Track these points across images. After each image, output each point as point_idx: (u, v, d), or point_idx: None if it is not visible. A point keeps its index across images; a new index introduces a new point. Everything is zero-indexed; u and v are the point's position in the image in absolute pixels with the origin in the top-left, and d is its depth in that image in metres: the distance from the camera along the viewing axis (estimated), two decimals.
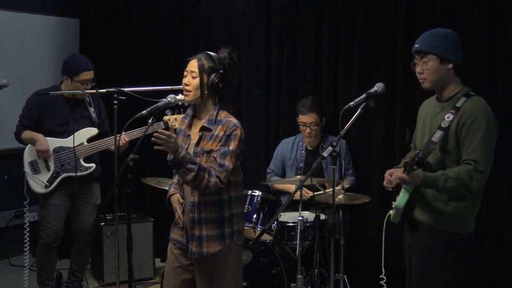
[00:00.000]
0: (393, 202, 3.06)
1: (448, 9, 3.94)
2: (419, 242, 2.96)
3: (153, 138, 2.73)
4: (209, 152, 2.93)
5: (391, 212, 3.05)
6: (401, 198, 2.96)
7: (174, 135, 2.80)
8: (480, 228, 3.13)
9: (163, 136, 2.73)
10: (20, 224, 4.38)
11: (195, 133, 3.01)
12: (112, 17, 5.72)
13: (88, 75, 4.18)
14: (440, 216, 2.87)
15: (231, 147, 2.91)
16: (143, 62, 5.59)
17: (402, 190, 2.97)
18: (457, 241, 2.87)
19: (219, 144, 2.92)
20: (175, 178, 3.17)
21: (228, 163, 2.89)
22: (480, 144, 2.76)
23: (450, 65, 2.86)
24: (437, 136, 2.83)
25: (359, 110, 2.99)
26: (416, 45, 2.93)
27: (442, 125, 2.84)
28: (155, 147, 2.76)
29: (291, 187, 4.37)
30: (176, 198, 3.07)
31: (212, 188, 2.87)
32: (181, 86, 3.04)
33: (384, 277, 3.34)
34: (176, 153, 2.79)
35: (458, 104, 2.85)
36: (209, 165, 2.89)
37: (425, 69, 2.88)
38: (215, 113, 2.98)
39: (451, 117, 2.83)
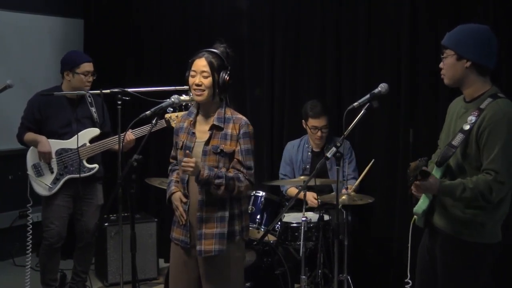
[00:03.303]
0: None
1: (452, 9, 3.93)
2: (439, 249, 2.83)
3: (182, 168, 2.86)
4: (231, 153, 2.96)
5: (416, 216, 2.95)
6: (421, 203, 2.83)
7: (196, 160, 2.86)
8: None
9: (192, 164, 2.82)
10: (24, 225, 4.38)
11: (203, 131, 3.01)
12: (116, 17, 5.72)
13: (89, 66, 4.20)
14: (458, 224, 2.74)
15: (250, 146, 2.99)
16: (146, 63, 5.60)
17: (423, 195, 2.83)
18: (476, 251, 2.72)
19: (238, 143, 2.96)
20: (174, 176, 3.16)
21: (252, 162, 2.98)
22: (500, 153, 2.58)
23: (468, 63, 2.69)
24: (458, 139, 2.69)
25: (363, 111, 2.95)
26: (443, 39, 2.80)
27: (463, 127, 2.69)
28: (183, 174, 2.94)
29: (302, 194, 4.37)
30: (177, 196, 3.07)
31: (244, 192, 2.98)
32: (184, 87, 3.04)
33: (410, 281, 3.31)
34: (199, 174, 2.85)
35: (482, 106, 2.67)
36: (233, 166, 2.95)
37: (444, 64, 2.77)
38: (223, 110, 3.00)
39: (474, 119, 2.66)
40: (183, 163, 2.86)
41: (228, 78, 2.95)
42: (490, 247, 2.74)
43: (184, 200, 3.04)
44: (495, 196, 2.61)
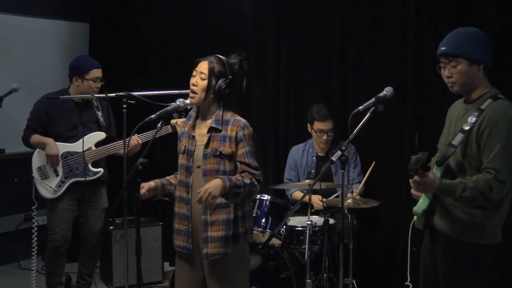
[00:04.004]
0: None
1: (456, 12, 3.93)
2: (440, 251, 2.83)
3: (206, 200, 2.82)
4: (230, 155, 2.95)
5: (415, 217, 2.95)
6: (421, 203, 2.83)
7: (208, 184, 2.84)
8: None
9: (208, 192, 2.81)
10: (29, 228, 4.39)
11: (202, 134, 3.02)
12: (122, 21, 5.74)
13: (98, 72, 4.21)
14: (459, 225, 2.74)
15: (252, 147, 2.99)
16: (152, 67, 5.61)
17: (423, 195, 2.83)
18: (477, 252, 2.72)
19: (241, 145, 2.96)
20: (173, 177, 3.15)
21: (257, 162, 2.98)
22: (500, 152, 2.59)
23: (481, 67, 2.72)
24: (458, 139, 2.71)
25: (368, 114, 2.95)
26: (443, 48, 2.75)
27: (464, 127, 2.71)
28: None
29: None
30: (148, 183, 3.05)
31: (257, 193, 3.08)
32: (189, 90, 3.04)
33: (410, 284, 3.31)
34: (224, 189, 2.84)
35: (483, 106, 2.69)
36: (243, 170, 2.95)
37: (454, 72, 2.73)
38: (220, 113, 3.00)
39: (474, 119, 2.67)
40: (200, 199, 2.84)
41: (224, 86, 2.95)
42: (490, 248, 2.74)
43: (150, 192, 3.04)
44: (495, 195, 2.61)
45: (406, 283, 3.37)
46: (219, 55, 3.02)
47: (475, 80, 2.75)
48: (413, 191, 2.84)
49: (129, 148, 4.03)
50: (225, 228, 2.95)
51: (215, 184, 2.84)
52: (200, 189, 2.84)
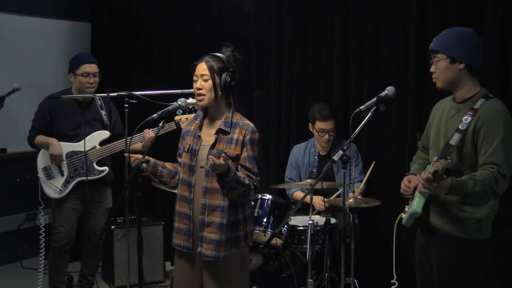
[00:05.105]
0: (406, 206, 2.98)
1: (460, 11, 3.92)
2: (435, 249, 2.86)
3: (210, 165, 2.76)
4: (235, 157, 2.94)
5: (403, 215, 2.96)
6: (418, 203, 2.84)
7: (223, 162, 2.75)
8: (494, 234, 3.03)
9: (222, 162, 2.74)
10: (32, 227, 4.40)
11: (209, 135, 3.01)
12: (124, 21, 5.75)
13: (89, 68, 4.18)
14: (455, 222, 2.77)
15: (255, 153, 2.98)
16: (154, 66, 5.61)
17: (418, 195, 2.85)
18: (473, 248, 2.77)
19: (245, 149, 2.95)
20: (169, 164, 3.13)
21: (257, 168, 2.97)
22: (499, 147, 2.65)
23: (462, 65, 2.77)
24: (455, 139, 2.74)
25: (369, 114, 2.95)
26: (431, 44, 2.87)
27: (460, 127, 2.75)
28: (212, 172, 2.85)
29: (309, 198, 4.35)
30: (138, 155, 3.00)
31: (250, 197, 3.01)
32: (191, 90, 3.04)
33: (396, 282, 3.31)
34: (228, 173, 2.80)
35: (476, 106, 2.75)
36: (242, 173, 2.92)
37: (437, 68, 2.83)
38: (230, 115, 2.99)
39: (469, 119, 2.73)
40: (210, 162, 2.77)
41: (229, 79, 2.95)
42: (484, 243, 2.79)
43: (134, 158, 2.98)
44: (500, 189, 2.66)
45: (392, 281, 3.37)
46: (213, 53, 3.01)
47: (459, 79, 2.81)
48: (406, 189, 2.87)
49: (143, 143, 4.05)
50: (218, 232, 2.93)
51: (223, 162, 2.77)
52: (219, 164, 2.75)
